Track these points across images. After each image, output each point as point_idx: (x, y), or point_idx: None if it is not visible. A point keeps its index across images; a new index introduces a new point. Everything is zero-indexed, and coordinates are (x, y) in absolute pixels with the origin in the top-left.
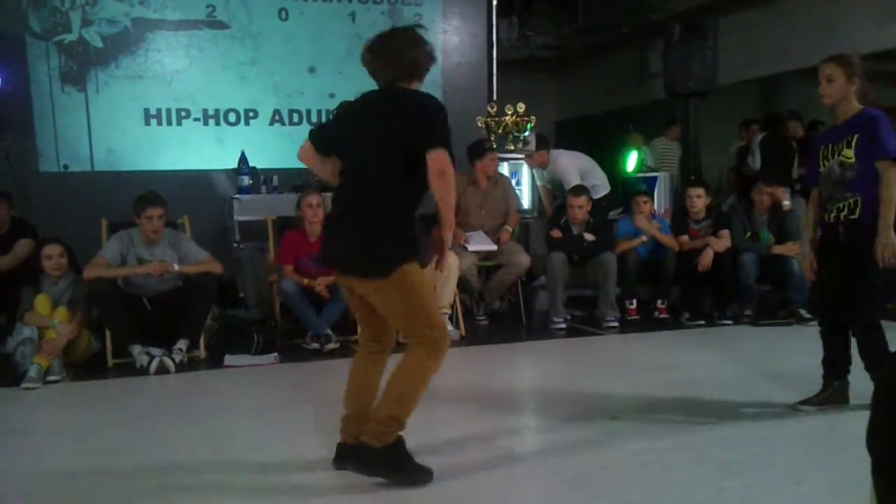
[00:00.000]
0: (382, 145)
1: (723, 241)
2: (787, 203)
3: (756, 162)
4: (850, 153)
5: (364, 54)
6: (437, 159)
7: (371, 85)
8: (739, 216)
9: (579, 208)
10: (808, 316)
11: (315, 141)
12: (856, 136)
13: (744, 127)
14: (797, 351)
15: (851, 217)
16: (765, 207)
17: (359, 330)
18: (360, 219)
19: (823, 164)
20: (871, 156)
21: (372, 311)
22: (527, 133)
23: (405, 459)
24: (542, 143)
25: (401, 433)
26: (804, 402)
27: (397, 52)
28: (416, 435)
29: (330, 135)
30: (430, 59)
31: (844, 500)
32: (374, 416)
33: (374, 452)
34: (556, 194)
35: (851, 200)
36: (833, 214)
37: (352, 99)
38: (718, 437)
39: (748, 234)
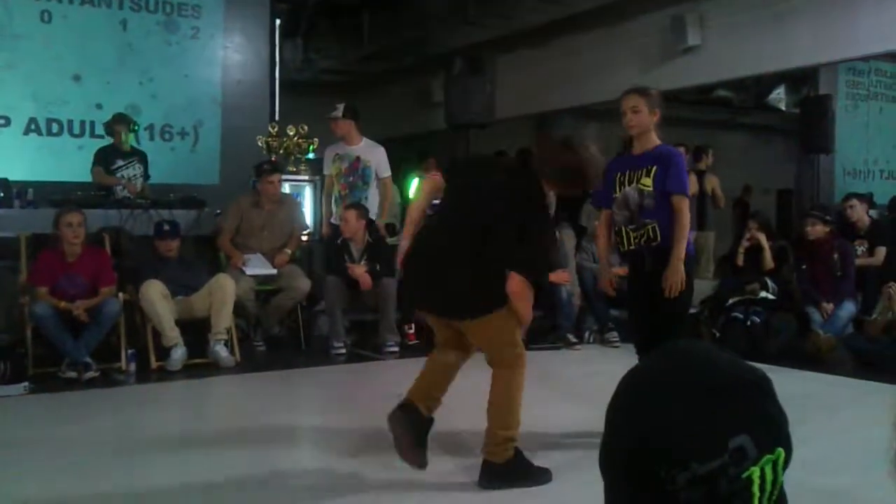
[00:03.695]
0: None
1: None
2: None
3: None
4: (648, 182)
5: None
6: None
7: None
8: None
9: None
10: (574, 340)
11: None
12: (655, 167)
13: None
14: (571, 374)
15: (654, 244)
16: None
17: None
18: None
19: (619, 190)
20: (666, 188)
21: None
22: (310, 155)
23: (528, 467)
24: None
25: (517, 446)
26: None
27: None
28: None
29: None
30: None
31: None
32: (490, 439)
33: (501, 469)
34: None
35: (650, 227)
36: (635, 241)
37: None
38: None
39: None
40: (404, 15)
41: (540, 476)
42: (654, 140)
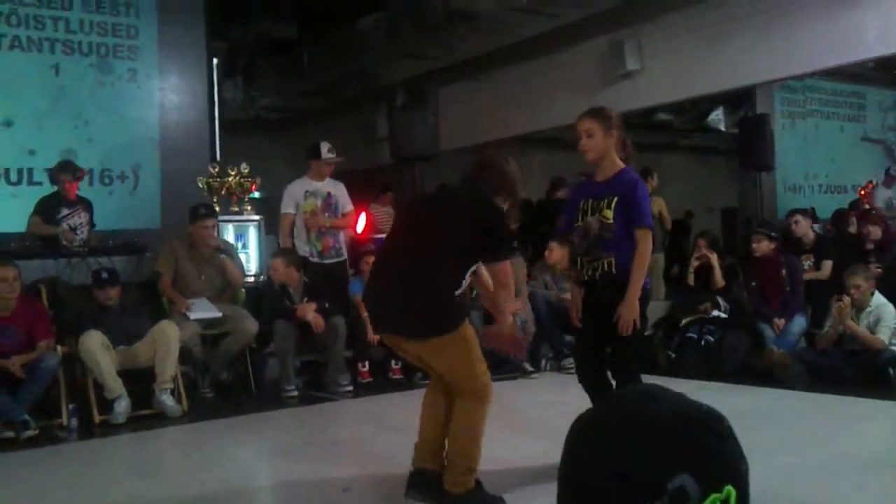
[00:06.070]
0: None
1: None
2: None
3: None
4: (609, 214)
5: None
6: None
7: None
8: None
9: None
10: (530, 369)
11: None
12: (615, 199)
13: None
14: (528, 405)
15: (608, 277)
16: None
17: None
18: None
19: (581, 218)
20: (628, 221)
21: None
22: (256, 194)
23: (487, 499)
24: None
25: (476, 478)
26: None
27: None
28: None
29: None
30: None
31: None
32: (451, 470)
33: (460, 500)
34: None
35: (606, 261)
36: (588, 273)
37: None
38: None
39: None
40: (344, 48)
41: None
42: (616, 164)
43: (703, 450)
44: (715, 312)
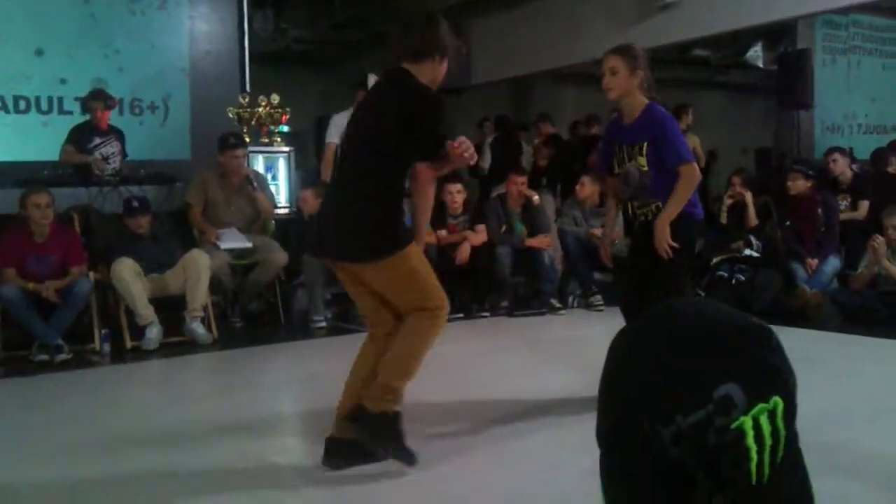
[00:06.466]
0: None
1: (479, 235)
2: (536, 198)
3: (486, 161)
4: (643, 161)
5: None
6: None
7: None
8: (495, 210)
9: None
10: (558, 305)
11: None
12: (646, 144)
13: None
14: (555, 339)
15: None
16: (518, 201)
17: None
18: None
19: (619, 167)
20: (663, 163)
21: (370, 294)
22: (284, 128)
23: (398, 436)
24: None
25: (398, 409)
26: None
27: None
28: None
29: None
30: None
31: None
32: (374, 384)
33: (371, 416)
34: None
35: (653, 206)
36: (641, 217)
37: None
38: (488, 428)
39: (503, 227)
40: None
41: (402, 453)
42: (641, 100)
43: (750, 360)
44: (747, 251)
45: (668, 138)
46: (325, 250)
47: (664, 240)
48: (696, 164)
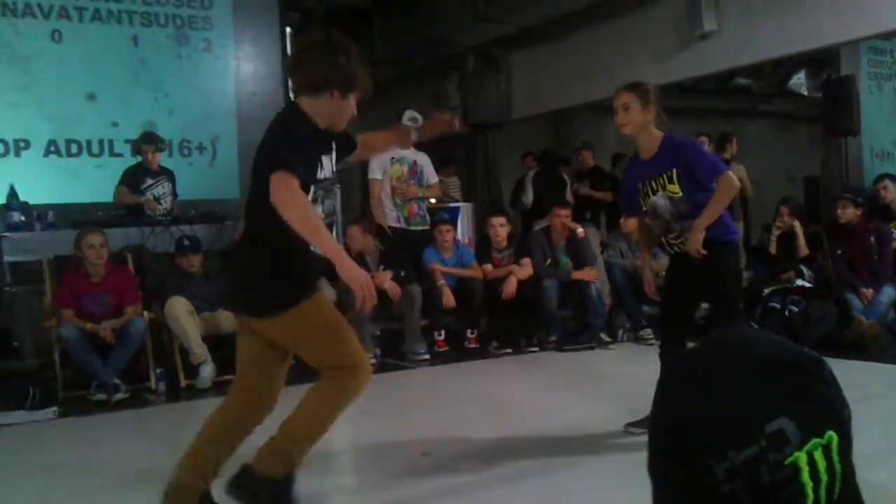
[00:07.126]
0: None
1: (525, 269)
2: (580, 230)
3: (528, 197)
4: (675, 188)
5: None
6: (275, 182)
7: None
8: (540, 243)
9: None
10: (607, 339)
11: None
12: (675, 171)
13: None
14: (605, 374)
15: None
16: (562, 234)
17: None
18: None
19: (645, 201)
20: (699, 183)
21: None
22: None
23: (285, 501)
24: None
25: (288, 472)
26: (634, 425)
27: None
28: None
29: None
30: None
31: None
32: (268, 441)
33: (257, 480)
34: None
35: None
36: (679, 247)
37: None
38: (537, 465)
39: (548, 260)
40: (415, 16)
41: None
42: (656, 134)
43: (803, 393)
44: (799, 281)
45: (696, 158)
46: (231, 305)
47: (698, 241)
48: (732, 173)
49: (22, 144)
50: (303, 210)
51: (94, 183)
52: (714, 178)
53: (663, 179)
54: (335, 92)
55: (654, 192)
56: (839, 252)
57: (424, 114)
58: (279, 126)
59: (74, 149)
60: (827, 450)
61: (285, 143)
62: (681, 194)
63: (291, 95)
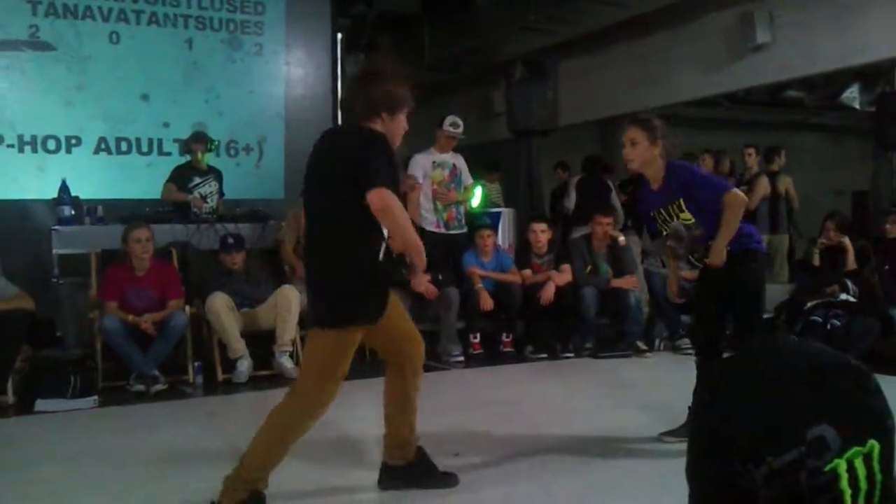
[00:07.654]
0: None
1: (564, 276)
2: (622, 238)
3: (571, 202)
4: (687, 215)
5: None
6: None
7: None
8: (580, 250)
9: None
10: (644, 348)
11: None
12: (681, 199)
13: (559, 168)
14: (640, 382)
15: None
16: (603, 241)
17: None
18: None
19: (665, 228)
20: (706, 206)
21: (374, 334)
22: None
23: None
24: None
25: (256, 490)
26: (669, 434)
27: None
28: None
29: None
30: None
31: None
32: (229, 475)
33: None
34: None
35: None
36: (701, 262)
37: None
38: (568, 467)
39: (588, 268)
40: (464, 24)
41: None
42: (660, 168)
43: (845, 400)
44: (843, 296)
45: (696, 184)
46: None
47: (720, 255)
48: (737, 190)
49: (73, 141)
50: (406, 220)
51: (143, 180)
52: (719, 197)
53: (674, 208)
54: (384, 114)
55: (670, 218)
56: (886, 267)
57: (468, 119)
58: (364, 145)
59: (125, 146)
60: (868, 458)
61: (379, 161)
62: (693, 220)
63: (339, 100)
